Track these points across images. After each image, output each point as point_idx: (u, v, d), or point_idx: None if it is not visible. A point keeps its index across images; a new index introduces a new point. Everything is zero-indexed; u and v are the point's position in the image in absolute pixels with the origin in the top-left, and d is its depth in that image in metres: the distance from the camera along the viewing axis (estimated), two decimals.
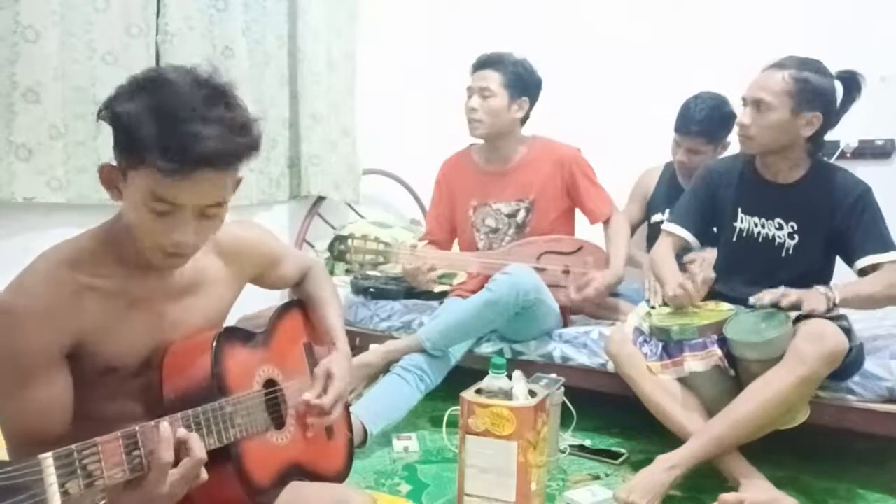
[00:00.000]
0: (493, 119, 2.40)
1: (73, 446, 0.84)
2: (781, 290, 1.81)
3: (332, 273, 3.03)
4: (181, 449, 0.95)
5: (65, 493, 0.81)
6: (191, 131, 0.93)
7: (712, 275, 1.95)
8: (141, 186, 0.97)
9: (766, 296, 1.80)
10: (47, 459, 0.80)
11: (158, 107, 0.95)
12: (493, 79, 2.38)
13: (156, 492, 0.92)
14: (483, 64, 2.42)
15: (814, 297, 1.78)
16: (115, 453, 0.88)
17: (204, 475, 0.98)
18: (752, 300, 1.83)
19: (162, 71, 1.01)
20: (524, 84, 2.42)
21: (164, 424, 0.93)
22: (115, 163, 1.01)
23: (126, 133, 0.96)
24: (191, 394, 1.06)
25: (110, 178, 1.02)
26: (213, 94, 0.98)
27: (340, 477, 1.36)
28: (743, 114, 1.91)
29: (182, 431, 0.96)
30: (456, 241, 2.65)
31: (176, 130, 0.93)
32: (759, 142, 1.91)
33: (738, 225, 2.04)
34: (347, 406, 1.49)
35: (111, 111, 0.98)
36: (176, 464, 0.94)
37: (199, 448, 0.96)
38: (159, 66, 1.04)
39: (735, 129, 1.97)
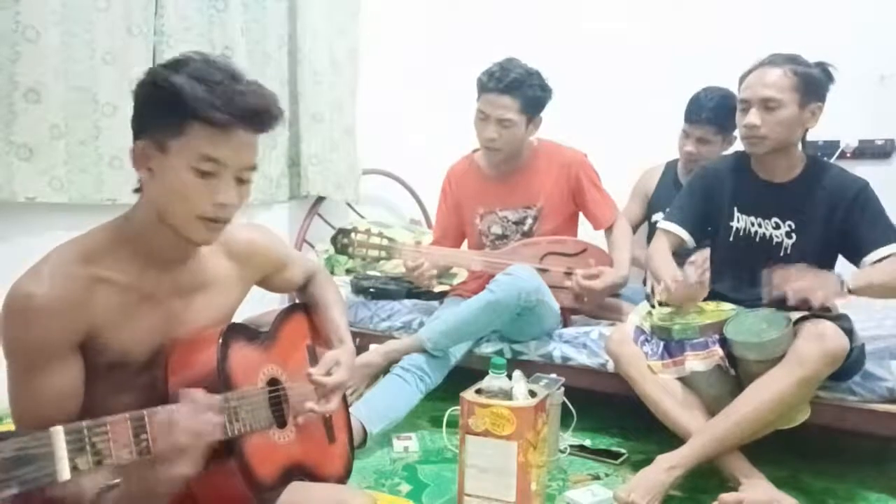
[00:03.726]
0: (513, 145, 2.38)
1: (83, 423, 0.85)
2: (793, 280, 1.76)
3: (332, 273, 3.04)
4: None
5: (74, 469, 0.82)
6: (235, 89, 1.03)
7: (706, 277, 1.94)
8: (188, 149, 1.02)
9: (776, 290, 1.77)
10: (58, 433, 0.82)
11: (200, 74, 1.02)
12: (512, 107, 2.29)
13: (170, 471, 0.94)
14: (499, 89, 2.28)
15: (827, 287, 1.75)
16: (123, 434, 0.90)
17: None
18: (765, 297, 1.82)
19: (188, 53, 1.08)
20: (541, 104, 2.36)
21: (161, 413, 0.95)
22: (147, 140, 1.05)
23: (174, 98, 1.01)
24: (196, 387, 1.06)
25: (144, 156, 1.05)
26: (237, 69, 1.08)
27: (341, 479, 1.37)
28: (751, 115, 1.88)
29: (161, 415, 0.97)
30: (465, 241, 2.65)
31: (223, 89, 1.02)
32: (773, 139, 1.89)
33: (734, 224, 2.04)
34: (347, 409, 1.50)
35: (160, 81, 1.02)
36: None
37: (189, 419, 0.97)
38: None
39: (741, 131, 1.95)
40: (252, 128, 1.05)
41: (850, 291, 1.78)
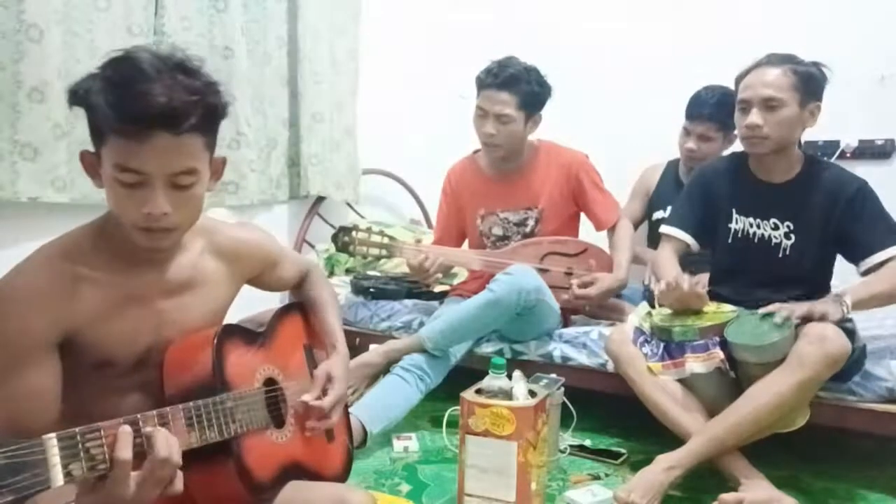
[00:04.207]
0: (512, 141, 2.38)
1: (76, 429, 0.84)
2: (790, 306, 1.78)
3: (332, 273, 3.04)
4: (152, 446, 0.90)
5: (68, 475, 0.81)
6: (140, 91, 0.95)
7: (703, 290, 1.94)
8: (109, 161, 0.98)
9: (776, 314, 1.78)
10: (51, 440, 0.81)
11: (114, 78, 0.97)
12: (510, 103, 2.30)
13: (117, 494, 0.86)
14: (497, 85, 2.31)
15: (825, 308, 1.76)
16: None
17: (178, 483, 0.92)
18: (761, 312, 1.82)
19: (127, 50, 1.02)
20: (539, 100, 2.37)
21: (125, 426, 0.89)
22: (93, 149, 1.03)
23: (89, 109, 0.98)
24: (192, 389, 1.07)
25: (91, 165, 1.04)
26: (170, 64, 1.00)
27: (340, 478, 1.36)
28: (752, 115, 1.88)
29: (148, 429, 0.91)
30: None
31: (127, 93, 0.95)
32: (774, 139, 1.89)
33: (732, 226, 2.04)
34: (347, 408, 1.49)
35: (73, 94, 1.00)
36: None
37: (162, 446, 0.90)
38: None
39: (741, 132, 1.95)
40: (166, 129, 0.96)
41: (851, 308, 1.77)
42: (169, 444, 0.91)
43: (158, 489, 0.90)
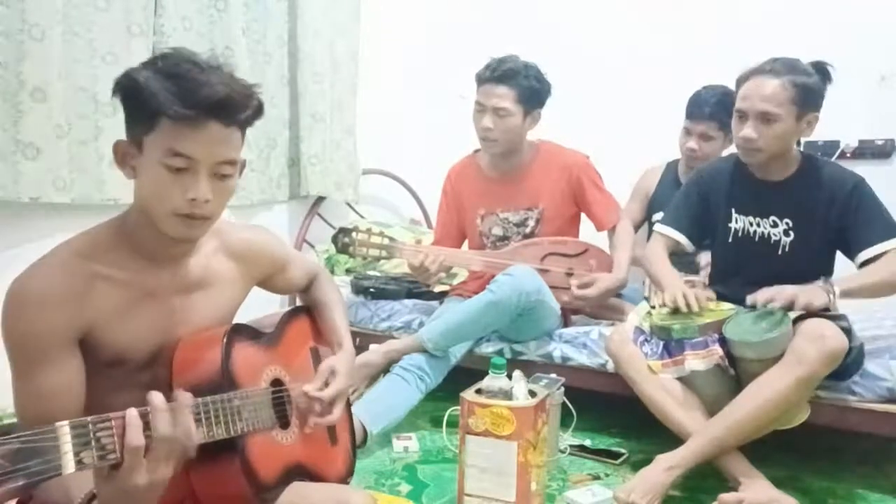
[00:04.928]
0: (510, 136, 2.37)
1: (87, 418, 0.85)
2: (775, 289, 1.79)
3: (331, 273, 3.04)
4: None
5: (79, 462, 0.82)
6: (202, 80, 1.01)
7: (712, 295, 1.95)
8: (158, 146, 1.02)
9: (760, 296, 1.80)
10: (63, 427, 0.82)
11: (169, 68, 1.02)
12: (507, 97, 2.31)
13: (131, 481, 0.88)
14: (494, 79, 2.32)
15: (810, 292, 1.77)
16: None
17: (192, 451, 0.94)
18: (748, 300, 1.84)
19: (171, 49, 1.08)
20: (538, 96, 2.37)
21: (132, 410, 0.89)
22: (128, 140, 1.06)
23: (142, 95, 1.01)
24: (200, 386, 1.07)
25: (125, 155, 1.06)
26: (215, 64, 1.06)
27: (343, 480, 1.37)
28: (747, 128, 1.88)
29: (147, 409, 0.92)
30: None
31: (187, 82, 1.00)
32: (769, 152, 1.90)
33: (732, 225, 2.04)
34: (350, 408, 1.49)
35: (127, 80, 1.03)
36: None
37: (163, 425, 0.91)
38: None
39: (736, 141, 1.95)
40: (220, 120, 1.02)
41: (836, 296, 1.78)
42: (170, 421, 0.92)
43: (171, 465, 0.92)
